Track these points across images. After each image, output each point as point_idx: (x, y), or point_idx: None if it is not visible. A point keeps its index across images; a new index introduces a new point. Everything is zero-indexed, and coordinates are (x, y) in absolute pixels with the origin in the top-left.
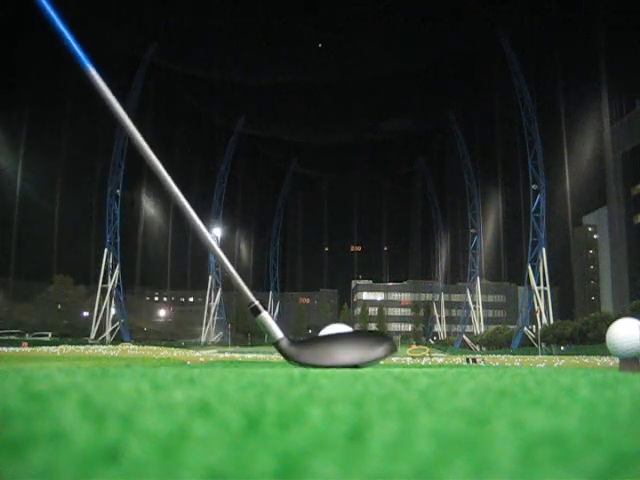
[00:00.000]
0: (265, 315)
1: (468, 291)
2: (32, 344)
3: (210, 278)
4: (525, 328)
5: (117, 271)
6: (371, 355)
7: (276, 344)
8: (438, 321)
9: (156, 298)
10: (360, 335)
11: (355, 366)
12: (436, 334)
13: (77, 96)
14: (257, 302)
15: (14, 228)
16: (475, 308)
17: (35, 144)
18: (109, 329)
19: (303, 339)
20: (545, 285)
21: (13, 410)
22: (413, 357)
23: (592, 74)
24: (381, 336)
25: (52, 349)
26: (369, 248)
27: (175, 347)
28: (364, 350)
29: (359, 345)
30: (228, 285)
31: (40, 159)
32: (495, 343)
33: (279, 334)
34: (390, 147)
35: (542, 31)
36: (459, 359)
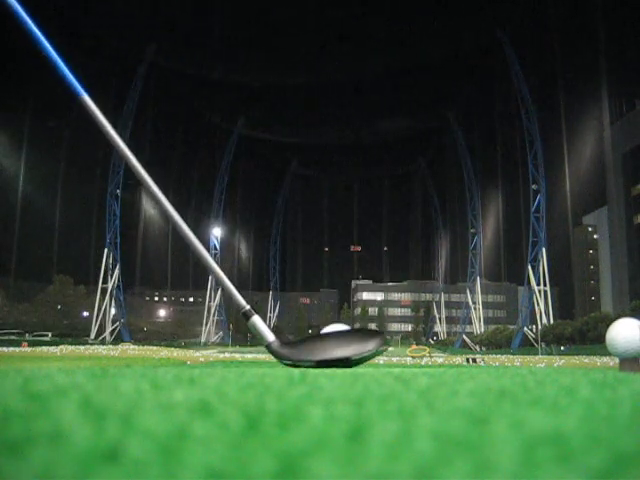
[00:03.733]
0: (256, 319)
1: (468, 291)
2: (32, 344)
3: (210, 278)
4: (525, 328)
5: (117, 271)
6: (364, 349)
7: (268, 346)
8: (438, 321)
9: (156, 298)
10: (352, 332)
11: (348, 361)
12: (436, 334)
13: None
14: (248, 307)
15: (15, 228)
16: (475, 308)
17: (36, 144)
18: (109, 329)
19: (296, 340)
20: (545, 285)
21: (13, 410)
22: (413, 357)
23: (592, 74)
24: (373, 331)
25: (52, 349)
26: (369, 248)
27: (175, 347)
28: (357, 345)
29: (352, 340)
30: None
31: (40, 159)
32: (495, 343)
33: (270, 337)
34: (390, 147)
35: (542, 31)
36: (459, 359)
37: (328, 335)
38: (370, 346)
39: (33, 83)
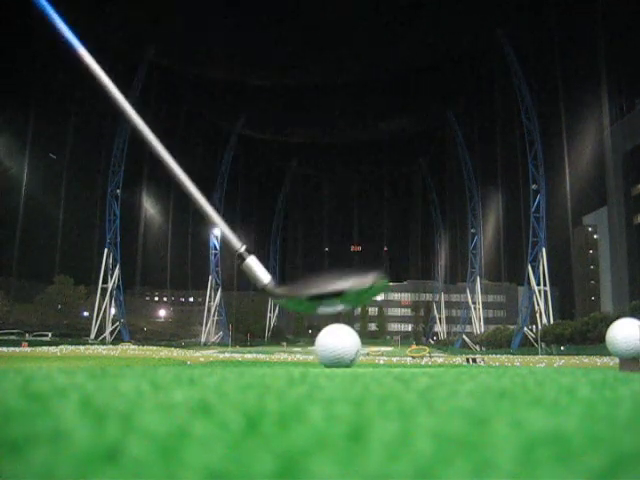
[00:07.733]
0: (250, 261)
1: (468, 291)
2: (32, 344)
3: (210, 278)
4: (525, 328)
5: (117, 271)
6: (360, 283)
7: (263, 288)
8: (438, 321)
9: (156, 298)
10: (348, 271)
11: (343, 294)
12: (436, 334)
13: (79, 97)
14: (243, 249)
15: (17, 228)
16: (475, 308)
17: (37, 145)
18: (109, 329)
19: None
20: (545, 285)
21: (13, 410)
22: (413, 357)
23: (592, 74)
24: (369, 272)
25: (52, 349)
26: (369, 248)
27: (175, 347)
28: (353, 280)
29: (348, 276)
30: (228, 285)
31: (41, 159)
32: (495, 343)
33: (266, 279)
34: (390, 147)
35: (542, 31)
36: (459, 359)
37: (324, 274)
38: (366, 280)
39: (36, 82)
